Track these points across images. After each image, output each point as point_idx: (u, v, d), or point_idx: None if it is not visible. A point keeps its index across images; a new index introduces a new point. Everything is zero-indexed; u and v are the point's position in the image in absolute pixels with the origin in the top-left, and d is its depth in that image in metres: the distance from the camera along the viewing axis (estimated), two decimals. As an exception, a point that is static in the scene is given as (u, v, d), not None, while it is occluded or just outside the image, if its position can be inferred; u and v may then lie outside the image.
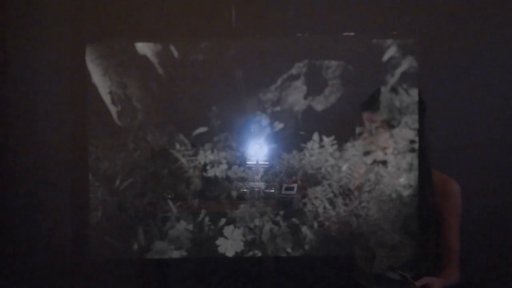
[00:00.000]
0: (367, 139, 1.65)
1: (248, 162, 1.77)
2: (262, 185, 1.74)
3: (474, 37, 2.09)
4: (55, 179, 2.07)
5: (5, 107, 2.05)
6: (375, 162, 1.66)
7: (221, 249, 1.62)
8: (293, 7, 2.02)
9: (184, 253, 1.63)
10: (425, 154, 1.63)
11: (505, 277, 2.11)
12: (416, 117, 1.57)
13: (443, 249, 1.64)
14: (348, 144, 1.66)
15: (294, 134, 1.82)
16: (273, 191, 1.73)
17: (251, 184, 1.73)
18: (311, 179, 1.72)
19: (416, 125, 1.57)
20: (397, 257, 1.63)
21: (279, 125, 1.83)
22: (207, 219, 1.63)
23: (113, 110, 1.76)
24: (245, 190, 1.70)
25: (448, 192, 1.64)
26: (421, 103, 1.60)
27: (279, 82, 1.84)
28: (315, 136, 1.68)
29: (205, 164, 1.68)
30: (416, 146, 1.58)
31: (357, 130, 1.67)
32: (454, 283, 1.61)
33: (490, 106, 2.09)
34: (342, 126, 1.67)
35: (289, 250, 1.66)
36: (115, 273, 2.07)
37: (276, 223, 1.65)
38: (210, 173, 1.67)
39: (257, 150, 1.78)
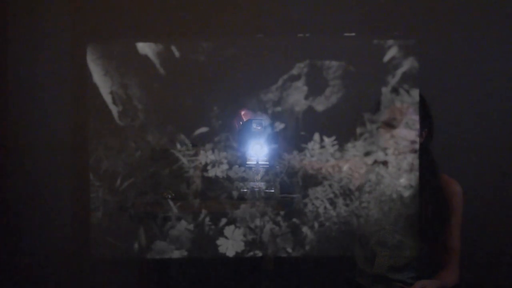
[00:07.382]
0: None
1: (248, 162, 1.77)
2: (262, 185, 1.74)
3: (475, 38, 2.09)
4: (55, 179, 2.06)
5: (5, 107, 2.05)
6: (376, 162, 1.67)
7: (221, 249, 1.62)
8: (294, 7, 2.02)
9: (185, 253, 1.64)
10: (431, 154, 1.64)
11: (505, 277, 2.11)
12: (417, 117, 1.57)
13: (443, 249, 1.64)
14: (349, 145, 1.66)
15: (295, 134, 1.82)
16: (273, 191, 1.73)
17: (252, 184, 1.73)
18: (311, 180, 1.72)
19: (417, 126, 1.58)
20: (398, 257, 1.63)
21: (280, 125, 1.83)
22: (207, 219, 1.63)
23: (114, 110, 1.75)
24: (245, 190, 1.70)
25: (450, 192, 1.63)
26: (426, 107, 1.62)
27: (280, 82, 1.84)
28: (316, 136, 1.68)
29: (206, 164, 1.68)
30: (417, 146, 1.59)
31: (358, 130, 1.67)
32: (452, 284, 1.61)
33: (490, 106, 2.09)
34: (343, 127, 1.67)
35: (289, 250, 1.66)
36: (116, 273, 2.07)
37: (276, 223, 1.65)
38: (211, 173, 1.67)
39: (258, 150, 1.78)
